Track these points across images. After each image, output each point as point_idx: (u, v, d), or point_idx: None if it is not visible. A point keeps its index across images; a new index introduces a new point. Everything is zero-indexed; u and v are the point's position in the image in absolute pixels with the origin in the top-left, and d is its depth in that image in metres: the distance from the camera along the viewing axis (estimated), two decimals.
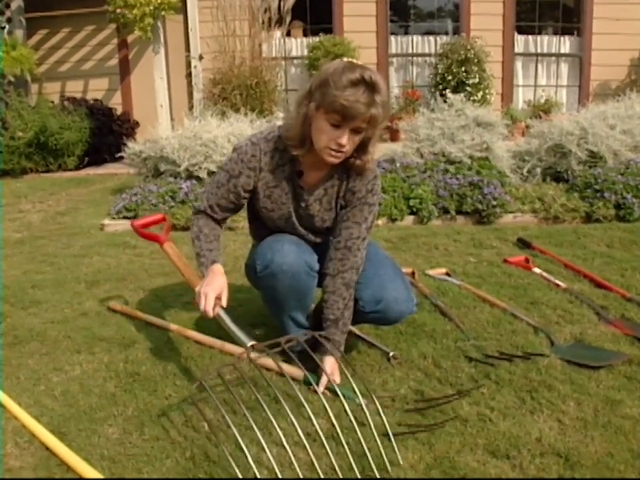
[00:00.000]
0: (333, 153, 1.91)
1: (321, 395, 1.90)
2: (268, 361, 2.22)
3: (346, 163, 2.03)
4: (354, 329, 2.43)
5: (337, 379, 2.07)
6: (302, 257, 2.09)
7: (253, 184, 2.11)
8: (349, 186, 2.10)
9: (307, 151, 1.98)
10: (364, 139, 1.94)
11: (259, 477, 1.59)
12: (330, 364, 2.08)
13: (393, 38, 8.59)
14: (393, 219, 4.36)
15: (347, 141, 1.87)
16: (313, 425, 1.82)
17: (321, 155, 1.95)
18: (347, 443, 1.74)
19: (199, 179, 4.96)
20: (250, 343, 1.91)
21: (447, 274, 3.25)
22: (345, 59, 1.90)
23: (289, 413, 1.66)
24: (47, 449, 1.76)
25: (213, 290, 1.93)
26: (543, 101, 8.34)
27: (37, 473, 1.67)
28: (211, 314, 1.91)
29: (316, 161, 2.03)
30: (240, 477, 1.58)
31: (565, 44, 8.75)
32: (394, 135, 7.58)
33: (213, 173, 4.86)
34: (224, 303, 1.95)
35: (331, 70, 1.86)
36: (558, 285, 3.00)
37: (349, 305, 2.12)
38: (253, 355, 1.85)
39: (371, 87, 1.81)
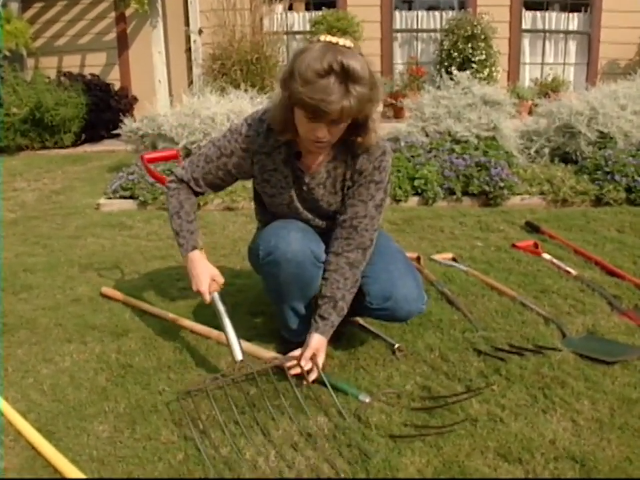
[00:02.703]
0: (315, 144, 1.79)
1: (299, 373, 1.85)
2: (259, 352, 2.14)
3: (349, 142, 1.89)
4: (358, 318, 2.33)
5: (321, 359, 1.90)
6: (308, 245, 1.96)
7: (247, 167, 2.01)
8: (356, 167, 1.95)
9: (294, 136, 1.86)
10: (361, 118, 1.78)
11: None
12: (316, 341, 1.90)
13: (397, 13, 8.38)
14: (397, 199, 4.24)
15: (324, 134, 1.73)
16: (313, 425, 1.75)
17: (305, 144, 1.84)
18: (349, 445, 1.66)
19: None
20: (239, 358, 1.90)
21: (454, 259, 3.14)
22: (324, 38, 1.68)
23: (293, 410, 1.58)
24: (34, 448, 1.67)
25: (204, 284, 1.97)
26: (550, 79, 8.16)
27: (22, 474, 1.58)
28: (208, 300, 1.99)
29: None
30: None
31: (574, 21, 8.54)
32: (398, 113, 7.42)
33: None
34: (220, 280, 2.02)
35: (298, 60, 1.66)
36: (568, 272, 2.90)
37: (350, 288, 1.96)
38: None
39: (344, 75, 1.62)
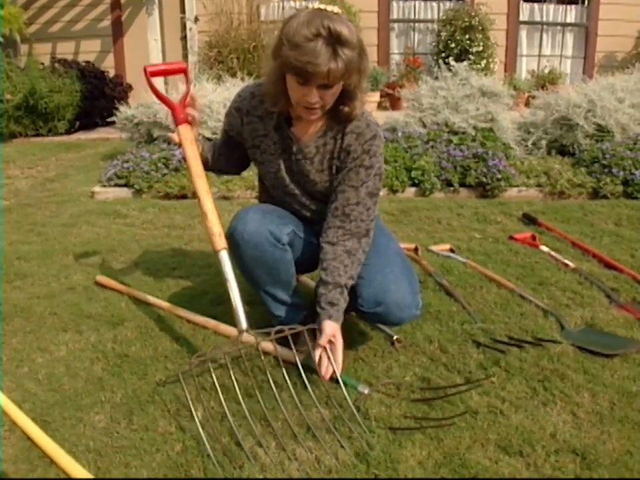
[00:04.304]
0: (307, 110, 1.79)
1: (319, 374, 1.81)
2: (265, 344, 2.11)
3: (337, 114, 1.87)
4: None
5: (340, 347, 1.84)
6: (266, 226, 1.92)
7: (238, 126, 2.05)
8: (344, 145, 1.92)
9: (284, 106, 1.86)
10: (347, 86, 1.77)
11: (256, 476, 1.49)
12: (331, 327, 1.83)
13: (394, 2, 8.33)
14: (393, 190, 4.21)
15: (315, 98, 1.73)
16: (312, 415, 1.73)
17: (298, 112, 1.84)
18: (349, 437, 1.64)
19: None
20: (243, 327, 1.83)
21: (451, 250, 3.13)
22: (313, 6, 1.70)
23: (296, 399, 1.55)
24: (29, 438, 1.65)
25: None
26: (546, 71, 8.14)
27: (18, 465, 1.56)
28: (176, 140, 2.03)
29: None
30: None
31: (571, 13, 8.52)
32: (395, 104, 7.39)
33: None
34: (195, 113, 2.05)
35: (287, 27, 1.69)
36: (566, 265, 2.89)
37: (350, 276, 1.90)
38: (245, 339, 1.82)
39: (332, 39, 1.63)
